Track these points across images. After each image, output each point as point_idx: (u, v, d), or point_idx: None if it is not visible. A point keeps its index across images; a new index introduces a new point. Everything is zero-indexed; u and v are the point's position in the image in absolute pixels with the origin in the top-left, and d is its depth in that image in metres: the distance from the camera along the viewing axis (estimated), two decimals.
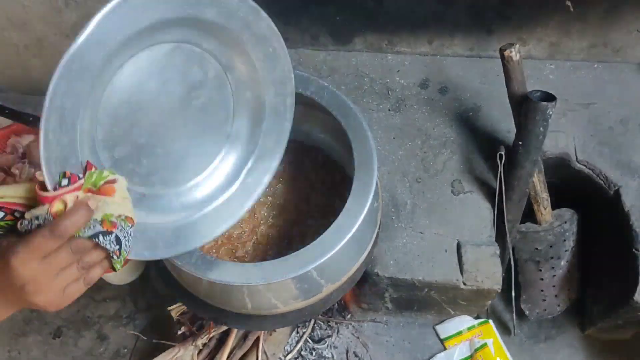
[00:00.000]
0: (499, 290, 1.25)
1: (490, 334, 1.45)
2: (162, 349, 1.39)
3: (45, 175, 0.71)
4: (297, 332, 1.48)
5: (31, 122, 1.43)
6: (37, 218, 0.69)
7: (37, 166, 1.54)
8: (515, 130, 1.28)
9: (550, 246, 1.41)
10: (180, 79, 0.89)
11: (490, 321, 1.46)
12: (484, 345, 1.42)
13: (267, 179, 1.08)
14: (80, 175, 0.73)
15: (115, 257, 0.73)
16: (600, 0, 1.34)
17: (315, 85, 1.11)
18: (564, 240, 1.42)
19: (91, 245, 0.70)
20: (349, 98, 1.12)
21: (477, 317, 1.47)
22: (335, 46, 1.53)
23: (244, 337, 1.42)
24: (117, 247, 0.72)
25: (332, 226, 0.97)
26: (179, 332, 1.38)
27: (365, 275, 1.27)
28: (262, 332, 1.40)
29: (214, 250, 1.18)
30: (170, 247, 0.93)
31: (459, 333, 1.45)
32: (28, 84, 1.80)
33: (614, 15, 1.38)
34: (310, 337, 1.48)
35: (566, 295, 1.48)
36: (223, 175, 1.05)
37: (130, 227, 0.76)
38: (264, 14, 0.91)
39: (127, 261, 0.79)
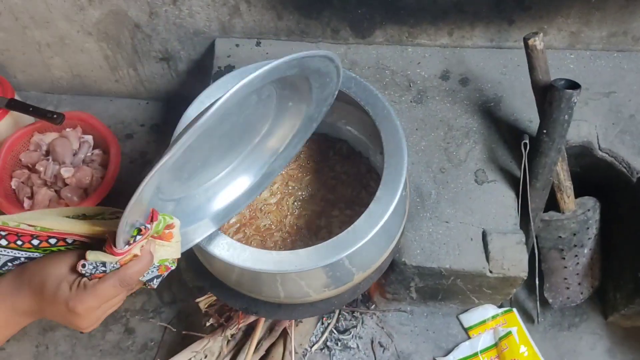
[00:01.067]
0: (525, 278, 1.27)
1: (514, 322, 1.46)
2: (188, 341, 1.41)
3: (120, 235, 0.72)
4: (322, 323, 1.50)
5: (54, 119, 1.45)
6: (103, 265, 0.72)
7: (61, 163, 1.56)
8: (537, 120, 1.28)
9: (574, 234, 1.42)
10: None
11: (514, 310, 1.47)
12: (509, 333, 1.43)
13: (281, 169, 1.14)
14: (147, 226, 0.75)
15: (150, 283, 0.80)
16: None
17: (343, 75, 1.12)
18: (587, 229, 1.43)
19: (142, 284, 0.78)
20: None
21: (500, 306, 1.48)
22: (355, 39, 1.54)
23: (271, 329, 1.43)
24: (160, 280, 0.81)
25: (363, 215, 0.99)
26: (208, 324, 1.40)
27: (392, 264, 1.29)
28: (291, 323, 1.41)
29: (244, 242, 1.19)
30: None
31: (483, 322, 1.46)
32: (49, 83, 1.82)
33: (634, 4, 1.38)
34: (335, 328, 1.50)
35: (589, 283, 1.49)
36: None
37: (174, 262, 0.83)
38: (337, 61, 0.93)
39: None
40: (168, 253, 0.79)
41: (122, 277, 0.73)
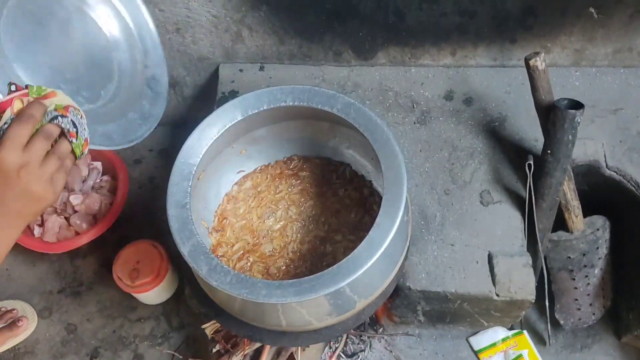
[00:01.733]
0: (533, 301, 1.25)
1: (525, 344, 1.44)
2: None
3: None
4: (330, 347, 1.49)
5: None
6: (5, 123, 0.79)
7: (70, 190, 1.57)
8: (542, 139, 1.27)
9: (583, 254, 1.40)
10: None
11: (525, 332, 1.45)
12: (519, 356, 1.41)
13: None
14: (23, 86, 0.85)
15: (73, 140, 0.86)
16: (624, 5, 1.34)
17: (341, 102, 1.12)
18: (597, 248, 1.40)
19: (56, 129, 0.83)
20: (375, 113, 1.13)
21: (511, 328, 1.46)
22: (358, 61, 1.54)
23: (278, 354, 1.42)
24: (75, 129, 0.86)
25: (363, 242, 0.98)
26: (214, 350, 1.40)
27: (397, 289, 1.28)
28: (295, 347, 1.41)
29: (248, 268, 1.19)
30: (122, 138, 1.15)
31: (493, 345, 1.44)
32: None
33: (638, 20, 1.37)
34: (343, 352, 1.48)
35: (601, 304, 1.46)
36: None
37: (81, 117, 0.89)
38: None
39: (86, 145, 0.91)
40: (60, 101, 0.86)
41: (19, 116, 0.79)
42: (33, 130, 0.80)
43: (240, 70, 1.57)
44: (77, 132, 0.87)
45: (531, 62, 1.17)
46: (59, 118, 0.84)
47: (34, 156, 0.79)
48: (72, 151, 0.86)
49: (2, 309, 1.56)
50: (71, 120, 0.86)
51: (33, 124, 0.80)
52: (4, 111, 0.80)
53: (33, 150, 0.79)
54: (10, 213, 0.81)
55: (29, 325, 1.58)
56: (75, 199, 1.61)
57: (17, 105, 0.81)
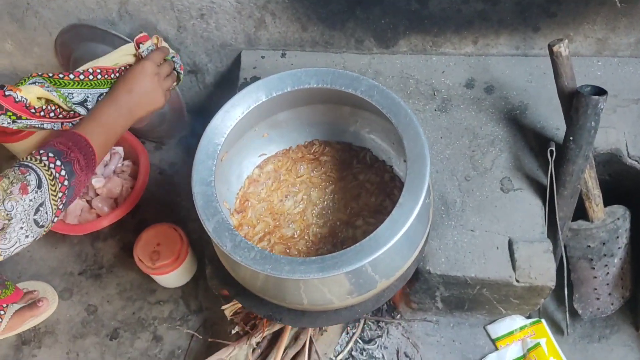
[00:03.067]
0: (553, 287, 1.25)
1: (543, 333, 1.43)
2: (214, 349, 1.42)
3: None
4: (347, 333, 1.49)
5: None
6: (148, 48, 1.29)
7: (93, 174, 1.58)
8: (564, 127, 1.27)
9: (603, 243, 1.39)
10: None
11: (543, 320, 1.45)
12: (537, 345, 1.41)
13: None
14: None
15: (180, 70, 1.36)
16: None
17: (365, 84, 1.13)
18: (617, 238, 1.40)
19: (172, 64, 1.33)
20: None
21: (529, 317, 1.46)
22: (379, 49, 1.55)
23: (296, 338, 1.43)
24: (178, 64, 1.35)
25: (385, 221, 0.99)
26: (233, 332, 1.41)
27: (417, 273, 1.28)
28: (313, 331, 1.42)
29: (269, 249, 1.20)
30: None
31: (511, 333, 1.44)
32: None
33: None
34: (360, 338, 1.49)
35: (620, 294, 1.46)
36: None
37: (180, 58, 1.37)
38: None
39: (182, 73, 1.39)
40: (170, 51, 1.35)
41: (159, 49, 1.31)
42: (163, 58, 1.30)
43: (262, 57, 1.58)
44: (179, 66, 1.36)
45: (555, 48, 1.17)
46: (175, 58, 1.34)
47: (162, 72, 1.26)
48: (178, 77, 1.37)
49: (24, 290, 1.59)
50: (179, 59, 1.36)
51: (165, 55, 1.30)
52: (141, 42, 1.28)
53: (162, 69, 1.27)
54: (137, 104, 1.20)
55: (50, 306, 1.60)
56: (97, 182, 1.63)
57: (154, 40, 1.30)
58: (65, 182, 0.99)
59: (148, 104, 1.21)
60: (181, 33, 1.56)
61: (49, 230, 1.01)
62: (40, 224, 0.96)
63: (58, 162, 0.98)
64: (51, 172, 0.96)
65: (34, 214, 0.94)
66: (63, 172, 0.98)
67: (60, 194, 0.98)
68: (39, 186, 0.94)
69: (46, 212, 0.96)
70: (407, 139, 1.07)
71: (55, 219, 1.00)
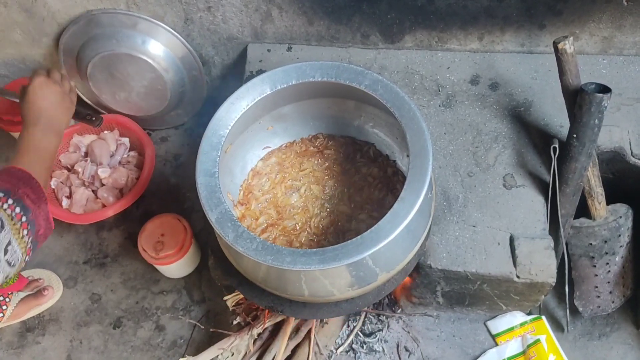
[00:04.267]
0: (553, 284, 1.25)
1: (543, 330, 1.44)
2: (216, 340, 1.44)
3: None
4: (348, 326, 1.51)
5: (93, 121, 1.50)
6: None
7: (99, 164, 1.61)
8: (568, 125, 1.28)
9: (605, 241, 1.40)
10: None
11: (543, 317, 1.45)
12: (537, 341, 1.41)
13: None
14: None
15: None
16: None
17: (369, 78, 1.13)
18: (619, 236, 1.40)
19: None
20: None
21: (529, 314, 1.46)
22: (385, 44, 1.55)
23: (297, 330, 1.45)
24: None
25: (387, 215, 0.99)
26: (235, 322, 1.42)
27: (418, 267, 1.29)
28: (315, 323, 1.43)
29: (272, 240, 1.21)
30: None
31: (511, 329, 1.45)
32: None
33: None
34: (361, 331, 1.50)
35: (620, 292, 1.46)
36: None
37: None
38: None
39: None
40: None
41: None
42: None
43: (268, 51, 1.59)
44: None
45: (560, 45, 1.18)
46: None
47: (52, 77, 1.24)
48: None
49: (29, 278, 1.61)
50: None
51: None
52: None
53: (51, 75, 1.25)
54: (54, 117, 1.20)
55: (55, 294, 1.62)
56: (103, 173, 1.64)
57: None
58: (24, 219, 0.97)
59: (63, 111, 1.23)
60: (188, 25, 1.57)
61: (21, 269, 0.99)
62: (12, 263, 0.93)
63: (10, 201, 0.95)
64: (7, 212, 0.94)
65: (4, 255, 0.91)
66: (18, 209, 0.96)
67: (24, 231, 0.96)
68: (2, 226, 0.91)
69: (15, 252, 0.94)
70: (410, 134, 1.07)
71: (27, 257, 0.98)
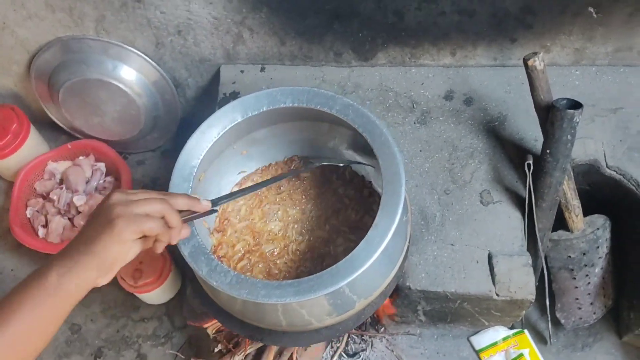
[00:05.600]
0: (533, 300, 1.25)
1: (526, 344, 1.44)
2: None
3: None
4: (332, 347, 1.49)
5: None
6: None
7: (74, 191, 1.58)
8: (542, 138, 1.27)
9: (584, 254, 1.40)
10: None
11: (526, 331, 1.45)
12: (520, 355, 1.41)
13: None
14: None
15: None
16: (623, 4, 1.33)
17: (340, 103, 1.12)
18: (597, 247, 1.40)
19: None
20: (374, 113, 1.14)
21: (512, 327, 1.46)
22: (358, 62, 1.55)
23: (280, 353, 1.43)
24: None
25: (362, 242, 0.99)
26: (216, 350, 1.41)
27: (397, 289, 1.28)
28: (298, 348, 1.41)
29: (250, 268, 1.20)
30: None
31: (494, 344, 1.44)
32: None
33: (638, 19, 1.37)
34: (344, 352, 1.49)
35: (602, 303, 1.46)
36: None
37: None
38: None
39: None
40: None
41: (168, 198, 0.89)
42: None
43: (242, 71, 1.58)
44: None
45: (529, 62, 1.18)
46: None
47: (134, 199, 0.85)
48: None
49: None
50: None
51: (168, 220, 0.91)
52: None
53: (136, 197, 0.86)
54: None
55: None
56: (79, 200, 1.62)
57: None
58: None
59: (107, 258, 0.82)
60: (159, 49, 1.56)
61: None
62: None
63: None
64: None
65: None
66: None
67: None
68: None
69: None
70: (383, 158, 1.07)
71: None
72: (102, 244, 0.81)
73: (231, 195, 1.06)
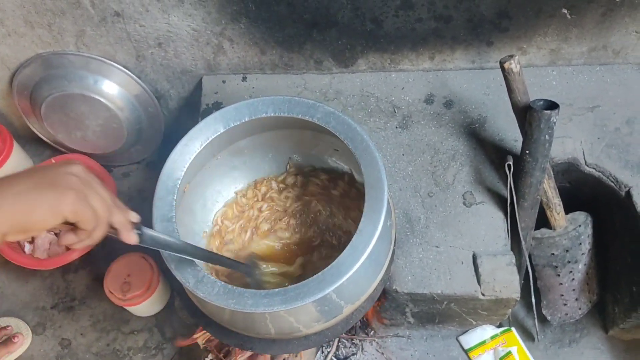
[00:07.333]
0: (518, 299, 1.27)
1: (514, 341, 1.46)
2: None
3: None
4: (322, 352, 1.50)
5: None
6: None
7: None
8: (522, 139, 1.29)
9: (567, 250, 1.42)
10: None
11: (513, 329, 1.47)
12: (509, 353, 1.43)
13: None
14: None
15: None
16: (595, 4, 1.36)
17: (321, 111, 1.13)
18: (580, 244, 1.43)
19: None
20: (356, 119, 1.15)
21: (499, 326, 1.48)
22: (339, 69, 1.56)
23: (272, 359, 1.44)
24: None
25: (347, 248, 1.00)
26: (207, 359, 1.41)
27: (384, 292, 1.29)
28: (288, 354, 1.42)
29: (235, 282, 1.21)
30: None
31: (483, 343, 1.46)
32: None
33: (611, 19, 1.39)
34: (335, 356, 1.50)
35: (587, 298, 1.49)
36: None
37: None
38: None
39: None
40: None
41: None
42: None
43: (223, 82, 1.59)
44: None
45: (506, 65, 1.19)
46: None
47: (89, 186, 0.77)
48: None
49: None
50: None
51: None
52: None
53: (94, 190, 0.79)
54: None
55: (24, 341, 1.59)
56: None
57: None
58: None
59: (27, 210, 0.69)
60: (140, 62, 1.56)
61: None
62: None
63: None
64: None
65: None
66: None
67: None
68: None
69: None
70: (365, 165, 1.08)
71: None
72: (37, 203, 0.70)
73: (167, 246, 0.96)
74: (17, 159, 1.72)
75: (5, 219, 0.68)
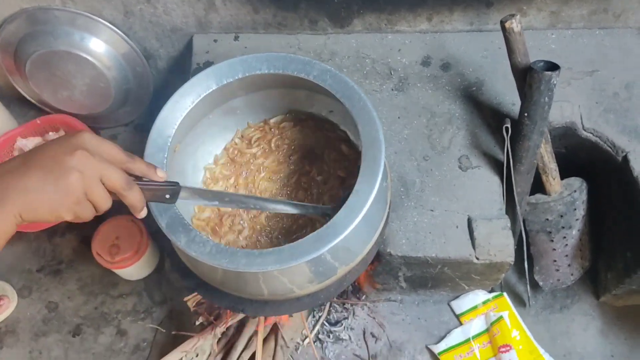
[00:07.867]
0: (512, 263, 1.26)
1: (506, 306, 1.46)
2: (181, 340, 1.41)
3: None
4: (314, 316, 1.50)
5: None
6: None
7: None
8: (520, 103, 1.27)
9: (561, 216, 1.41)
10: None
11: (505, 294, 1.47)
12: (500, 318, 1.43)
13: None
14: None
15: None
16: None
17: (317, 69, 1.10)
18: (575, 210, 1.42)
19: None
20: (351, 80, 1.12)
21: (491, 291, 1.48)
22: (334, 29, 1.52)
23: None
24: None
25: (342, 208, 0.98)
26: (197, 323, 1.39)
27: (378, 255, 1.28)
28: (279, 318, 1.41)
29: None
30: None
31: (474, 308, 1.46)
32: None
33: None
34: (326, 320, 1.49)
35: (579, 264, 1.49)
36: None
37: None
38: None
39: None
40: None
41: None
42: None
43: (215, 41, 1.54)
44: None
45: (507, 25, 1.16)
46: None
47: (103, 163, 0.78)
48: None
49: None
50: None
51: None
52: None
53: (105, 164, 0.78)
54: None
55: (10, 304, 1.57)
56: None
57: None
58: None
59: (43, 200, 0.70)
60: (129, 18, 1.51)
61: None
62: None
63: None
64: None
65: None
66: None
67: None
68: None
69: None
70: (362, 124, 1.05)
71: None
72: (39, 205, 0.71)
73: (202, 195, 0.98)
74: (1, 119, 1.68)
75: (13, 213, 0.70)
